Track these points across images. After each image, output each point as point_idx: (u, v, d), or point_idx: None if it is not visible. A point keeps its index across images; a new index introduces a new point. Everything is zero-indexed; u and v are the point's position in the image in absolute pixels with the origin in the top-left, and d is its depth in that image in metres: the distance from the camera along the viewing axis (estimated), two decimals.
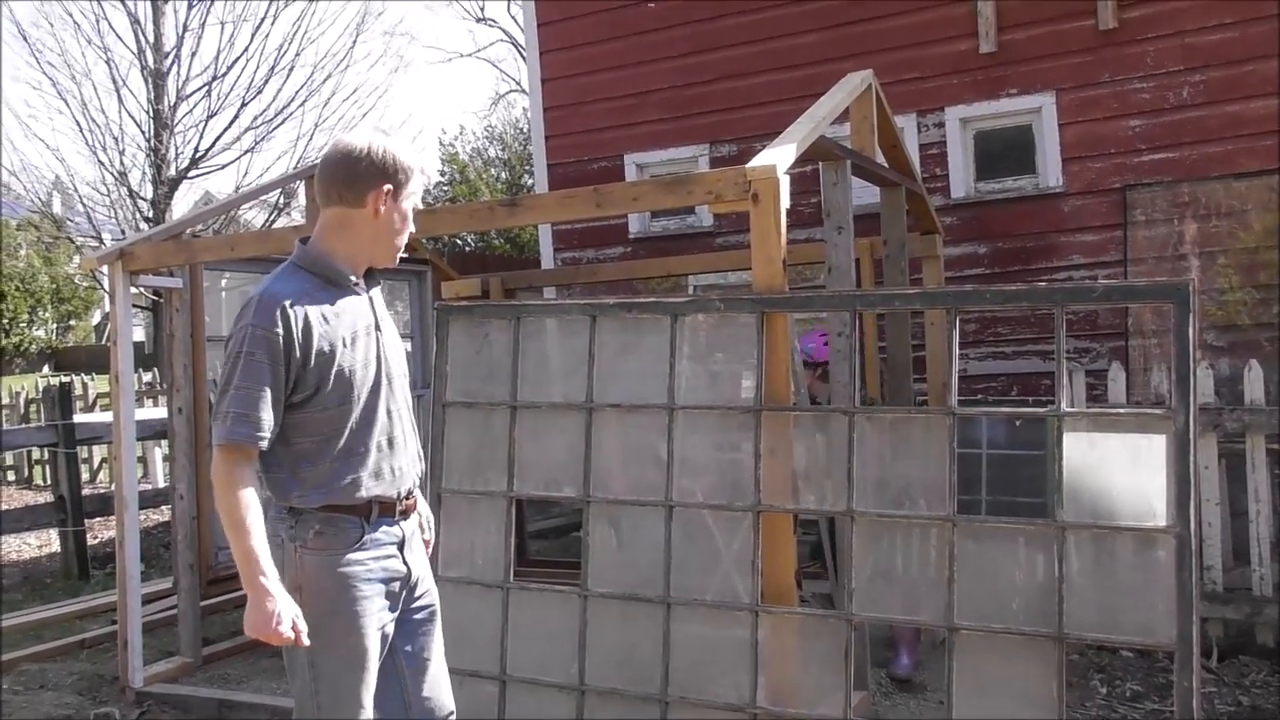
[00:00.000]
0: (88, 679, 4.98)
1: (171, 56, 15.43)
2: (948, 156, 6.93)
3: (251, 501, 2.26)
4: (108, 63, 15.30)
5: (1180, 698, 2.84)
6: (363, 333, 2.43)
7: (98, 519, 8.05)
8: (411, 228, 2.52)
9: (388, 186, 2.40)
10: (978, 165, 6.96)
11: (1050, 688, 2.95)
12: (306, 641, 2.27)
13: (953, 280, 6.48)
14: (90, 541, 7.60)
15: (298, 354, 2.31)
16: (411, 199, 2.47)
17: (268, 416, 2.29)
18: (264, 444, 2.30)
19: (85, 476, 10.62)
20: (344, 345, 2.38)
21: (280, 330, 2.29)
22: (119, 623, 4.73)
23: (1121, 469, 2.99)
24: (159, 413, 8.68)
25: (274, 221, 16.61)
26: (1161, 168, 6.43)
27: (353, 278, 2.46)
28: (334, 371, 2.35)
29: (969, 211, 6.88)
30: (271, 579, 2.24)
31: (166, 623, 5.56)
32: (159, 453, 10.47)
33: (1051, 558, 2.98)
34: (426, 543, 2.70)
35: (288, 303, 2.32)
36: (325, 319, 2.36)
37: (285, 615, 2.23)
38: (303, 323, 2.32)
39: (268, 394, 2.28)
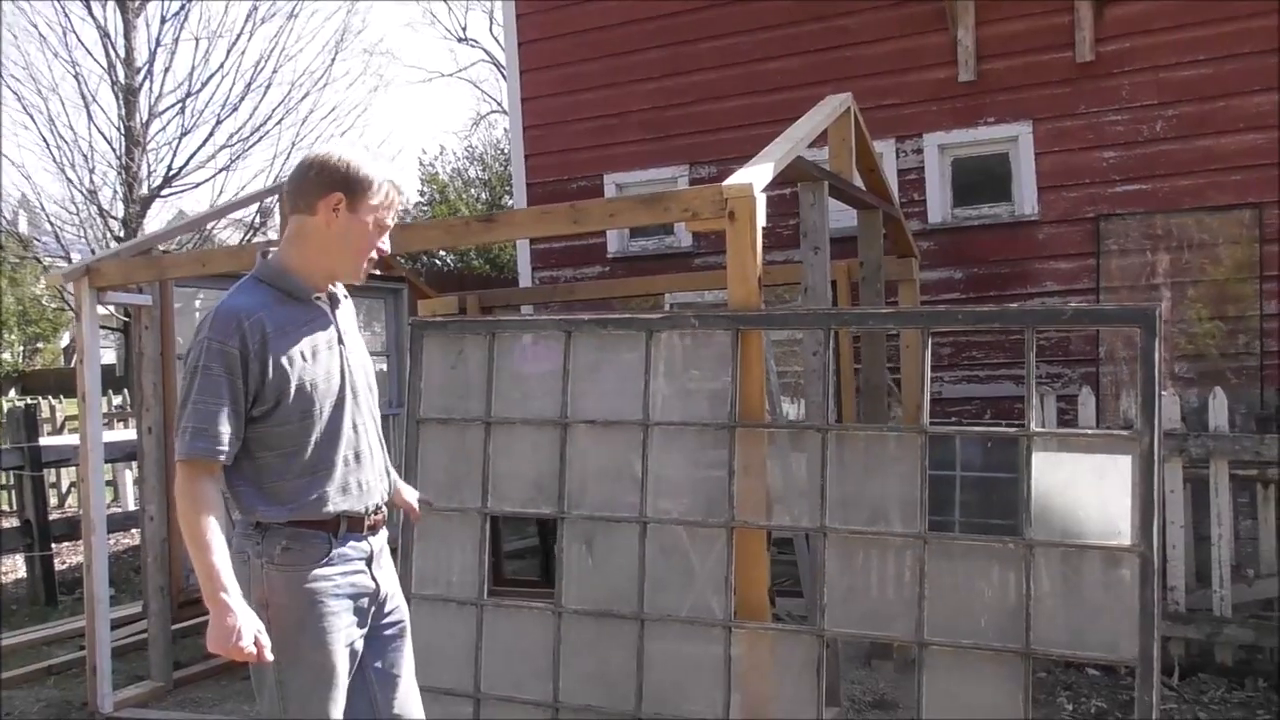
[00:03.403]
0: (55, 706, 4.88)
1: (143, 72, 14.91)
2: (926, 182, 7.03)
3: (213, 517, 2.24)
4: (76, 77, 14.97)
5: (1141, 711, 2.88)
6: (324, 346, 2.41)
7: (66, 544, 7.90)
8: (385, 246, 2.46)
9: (339, 195, 2.35)
10: (955, 191, 7.06)
11: (1017, 703, 2.98)
12: (270, 657, 2.24)
13: (929, 304, 6.55)
14: (59, 567, 7.44)
15: (255, 367, 2.29)
16: (376, 214, 2.40)
17: (226, 430, 2.27)
18: (224, 458, 2.28)
19: (54, 501, 10.43)
20: (303, 359, 2.35)
21: (236, 344, 2.27)
22: (87, 648, 4.66)
23: (1088, 489, 3.03)
24: (129, 435, 8.53)
25: (249, 240, 16.40)
26: (1134, 199, 6.53)
27: (314, 292, 2.43)
28: (294, 385, 2.32)
29: (946, 237, 6.96)
30: (233, 594, 2.22)
31: (137, 647, 5.49)
32: (129, 475, 10.25)
33: (1019, 575, 3.01)
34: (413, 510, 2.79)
35: (244, 316, 2.30)
36: (284, 332, 2.34)
37: (247, 630, 2.20)
38: (259, 336, 2.30)
39: (226, 408, 2.26)
